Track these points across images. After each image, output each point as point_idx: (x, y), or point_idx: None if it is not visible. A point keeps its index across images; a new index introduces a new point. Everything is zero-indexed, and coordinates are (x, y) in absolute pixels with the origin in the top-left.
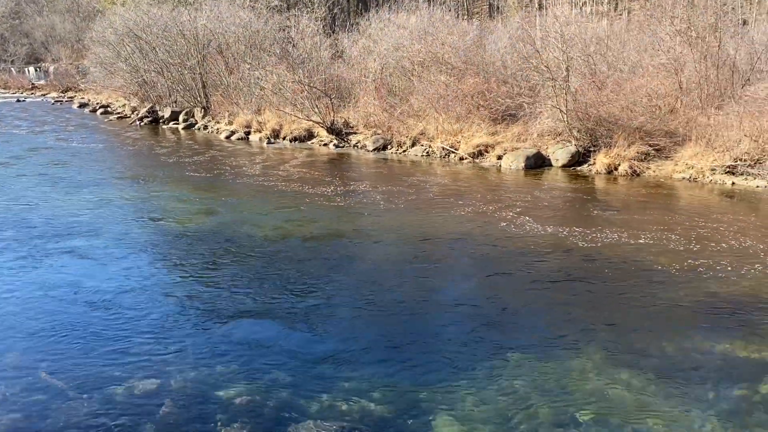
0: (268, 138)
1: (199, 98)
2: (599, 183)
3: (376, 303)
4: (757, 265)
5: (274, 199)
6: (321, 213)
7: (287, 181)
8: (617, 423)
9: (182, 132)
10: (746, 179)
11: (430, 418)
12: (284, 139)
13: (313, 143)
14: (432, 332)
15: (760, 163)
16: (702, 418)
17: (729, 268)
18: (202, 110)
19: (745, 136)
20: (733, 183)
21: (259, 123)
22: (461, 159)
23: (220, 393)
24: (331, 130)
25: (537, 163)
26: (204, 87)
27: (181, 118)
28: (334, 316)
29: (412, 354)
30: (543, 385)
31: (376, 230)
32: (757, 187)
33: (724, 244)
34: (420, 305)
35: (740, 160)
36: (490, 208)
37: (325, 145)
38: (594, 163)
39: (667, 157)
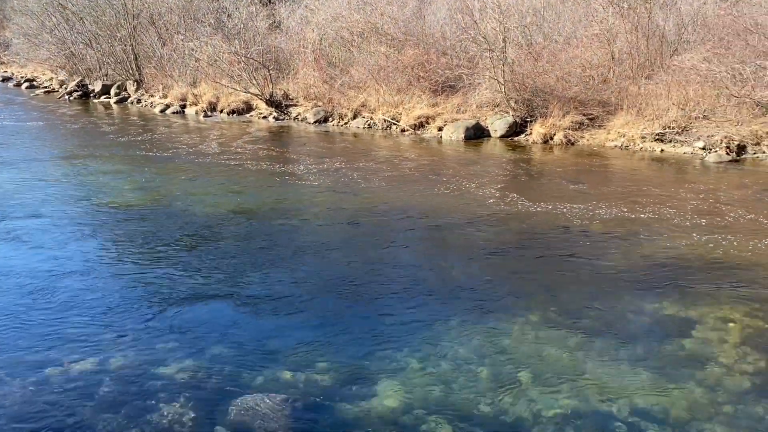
0: (204, 111)
1: (131, 71)
2: (536, 153)
3: (318, 277)
4: (685, 228)
5: (213, 174)
6: (262, 188)
7: (226, 155)
8: (554, 381)
9: (115, 106)
10: (674, 146)
11: (375, 385)
12: (222, 112)
13: (251, 116)
14: (375, 303)
15: (687, 130)
16: (632, 373)
17: (659, 232)
18: (135, 83)
19: (673, 104)
20: (662, 150)
21: (195, 96)
22: (403, 131)
23: (161, 371)
24: (271, 102)
25: (476, 134)
26: (136, 59)
27: (112, 92)
28: (277, 291)
29: (356, 325)
30: (483, 348)
31: (318, 204)
32: (684, 153)
33: (654, 210)
34: (363, 277)
35: (669, 127)
36: (431, 179)
37: (264, 118)
38: (531, 133)
39: (600, 126)
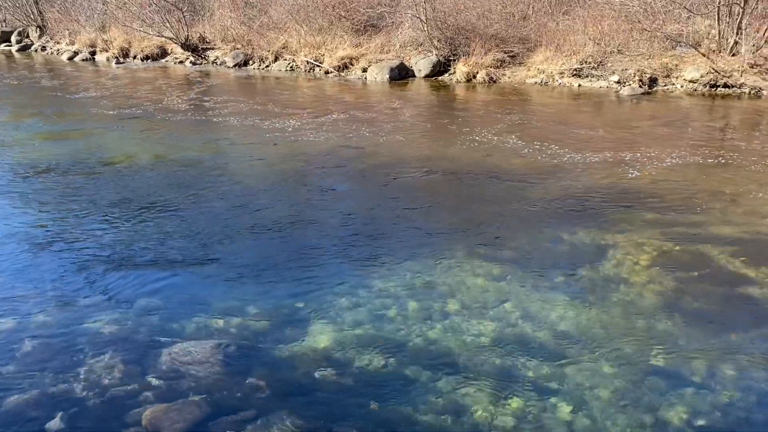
0: (116, 58)
1: (32, 16)
2: (460, 91)
3: (245, 223)
4: (601, 160)
5: (128, 124)
6: (181, 137)
7: (141, 103)
8: (480, 309)
9: (17, 54)
10: (591, 81)
11: (307, 326)
12: (135, 58)
13: (167, 61)
14: (305, 246)
15: (602, 65)
16: (553, 298)
17: (577, 165)
18: (38, 29)
19: (589, 39)
20: (579, 85)
21: (105, 41)
22: (326, 73)
23: (87, 325)
24: (186, 46)
25: (401, 75)
26: (37, 3)
27: (13, 39)
28: (204, 240)
29: (287, 269)
30: (412, 284)
31: (242, 151)
32: (600, 87)
33: (572, 144)
34: (290, 221)
35: (585, 63)
36: (357, 121)
37: (180, 63)
38: (454, 73)
39: (520, 64)
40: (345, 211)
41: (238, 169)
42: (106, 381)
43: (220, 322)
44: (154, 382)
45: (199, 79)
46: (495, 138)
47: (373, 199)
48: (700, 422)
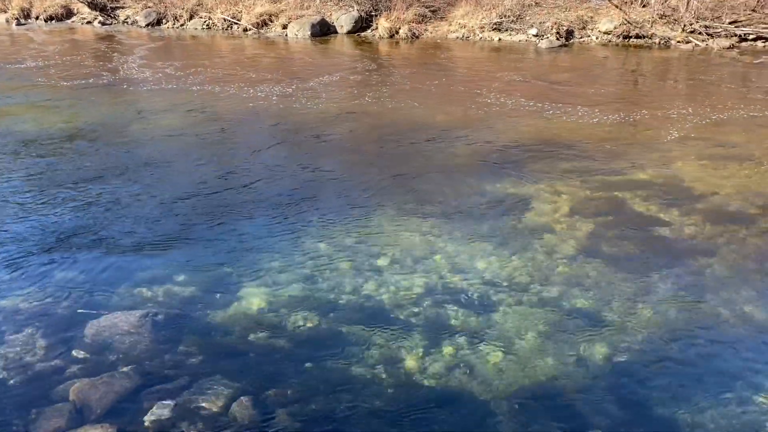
0: (17, 19)
1: None
2: (383, 48)
3: (168, 190)
4: (522, 112)
5: (34, 90)
6: (91, 103)
7: (47, 68)
8: (410, 264)
9: None
10: (510, 34)
11: (238, 290)
12: (38, 18)
13: (73, 22)
14: (232, 210)
15: (521, 18)
16: (479, 248)
17: (500, 118)
18: None
19: None
20: (499, 39)
21: (4, 2)
22: (245, 30)
23: (2, 303)
24: (94, 5)
25: (323, 31)
26: None
27: None
28: (124, 209)
29: (213, 234)
30: (343, 242)
31: (160, 116)
32: (520, 41)
33: (494, 97)
34: (215, 186)
35: (504, 16)
36: (279, 80)
37: (88, 23)
38: (377, 28)
39: (442, 18)
40: (270, 173)
41: (157, 136)
42: (28, 358)
43: (146, 292)
44: (80, 356)
45: (110, 40)
46: (419, 94)
47: (300, 160)
48: (620, 359)
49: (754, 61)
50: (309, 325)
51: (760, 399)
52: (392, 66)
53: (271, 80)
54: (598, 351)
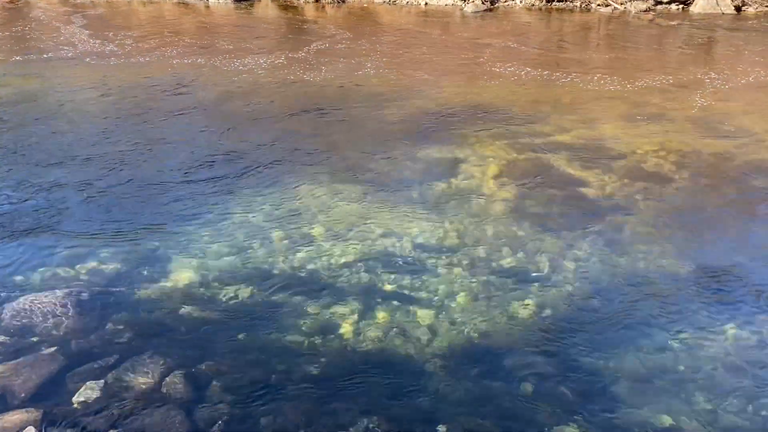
0: None
1: None
2: (309, 12)
3: (88, 163)
4: (451, 78)
5: None
6: (4, 71)
7: None
8: (343, 231)
9: None
10: None
11: (167, 264)
12: None
13: None
14: (160, 181)
15: None
16: (411, 213)
17: (428, 84)
18: None
19: None
20: (426, 3)
21: None
22: None
23: None
24: None
25: None
26: None
27: None
28: (41, 185)
29: (139, 207)
30: (274, 213)
31: (75, 88)
32: (446, 5)
33: (423, 63)
34: (141, 157)
35: None
36: (204, 49)
37: None
38: None
39: None
40: (196, 144)
41: (72, 111)
42: None
43: (69, 271)
44: None
45: (17, 11)
46: (349, 60)
47: (228, 130)
48: (546, 313)
49: (651, 20)
50: (242, 296)
51: (676, 344)
52: (320, 32)
53: (195, 49)
54: (526, 307)
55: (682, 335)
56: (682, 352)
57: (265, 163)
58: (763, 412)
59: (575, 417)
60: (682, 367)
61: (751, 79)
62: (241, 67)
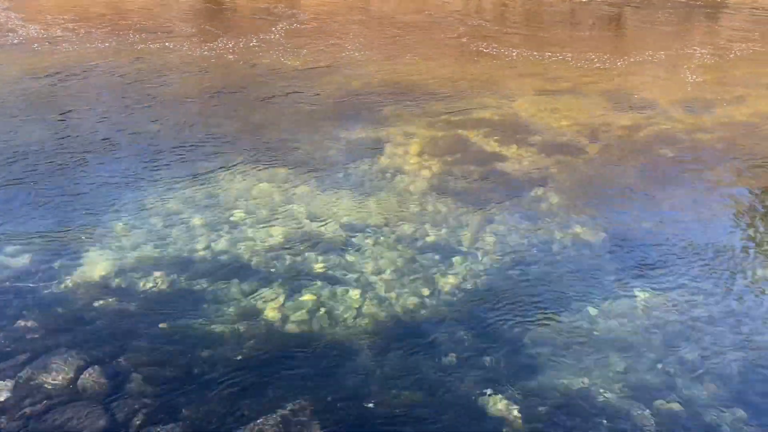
0: None
1: None
2: None
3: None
4: (369, 58)
5: None
6: None
7: None
8: (266, 215)
9: None
10: None
11: (80, 256)
12: None
13: None
14: (68, 169)
15: None
16: (335, 194)
17: (349, 63)
18: None
19: None
20: None
21: None
22: None
23: None
24: None
25: None
26: None
27: None
28: None
29: (47, 197)
30: (194, 198)
31: None
32: None
33: (343, 43)
34: (49, 144)
35: None
36: (111, 28)
37: None
38: None
39: None
40: (110, 128)
41: None
42: None
43: None
44: None
45: None
46: (266, 40)
47: (144, 113)
48: (468, 286)
49: None
50: (161, 285)
51: (591, 310)
52: (235, 10)
53: (102, 27)
54: (450, 281)
55: (597, 301)
56: (596, 317)
57: (182, 146)
58: (671, 369)
59: (498, 384)
60: (596, 332)
61: (658, 54)
62: (156, 49)
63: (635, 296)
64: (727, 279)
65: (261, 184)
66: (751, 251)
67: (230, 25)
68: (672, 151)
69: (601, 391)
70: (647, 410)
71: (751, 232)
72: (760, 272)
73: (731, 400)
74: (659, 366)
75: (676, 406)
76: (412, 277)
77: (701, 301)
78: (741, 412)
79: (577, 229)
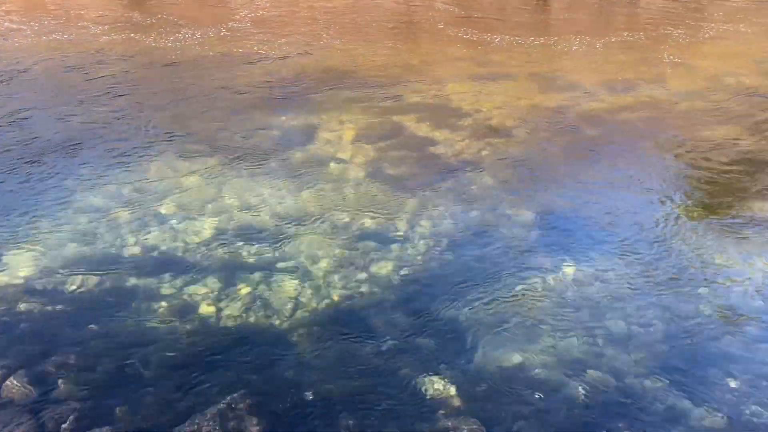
0: None
1: None
2: None
3: None
4: (297, 44)
5: None
6: None
7: None
8: (197, 207)
9: None
10: None
11: (1, 257)
12: None
13: None
14: None
15: None
16: (269, 184)
17: (278, 50)
18: None
19: None
20: None
21: None
22: None
23: None
24: None
25: None
26: None
27: None
28: None
29: None
30: (120, 192)
31: None
32: None
33: (270, 30)
34: None
35: None
36: (30, 14)
37: None
38: None
39: None
40: (31, 121)
41: None
42: None
43: None
44: None
45: None
46: (191, 28)
47: (67, 105)
48: (405, 271)
49: None
50: (89, 285)
51: (523, 288)
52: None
53: (18, 12)
54: (387, 266)
55: (529, 279)
56: (528, 295)
57: (108, 139)
58: (599, 341)
59: (436, 366)
60: (528, 308)
61: (583, 37)
62: (77, 37)
63: (564, 272)
64: (649, 252)
65: (191, 176)
66: (672, 224)
67: (153, 8)
68: (596, 130)
69: (535, 365)
70: (578, 381)
71: (671, 205)
72: (679, 244)
73: (656, 367)
74: (588, 338)
75: (605, 376)
76: (348, 265)
77: (626, 273)
78: (665, 378)
79: (509, 209)
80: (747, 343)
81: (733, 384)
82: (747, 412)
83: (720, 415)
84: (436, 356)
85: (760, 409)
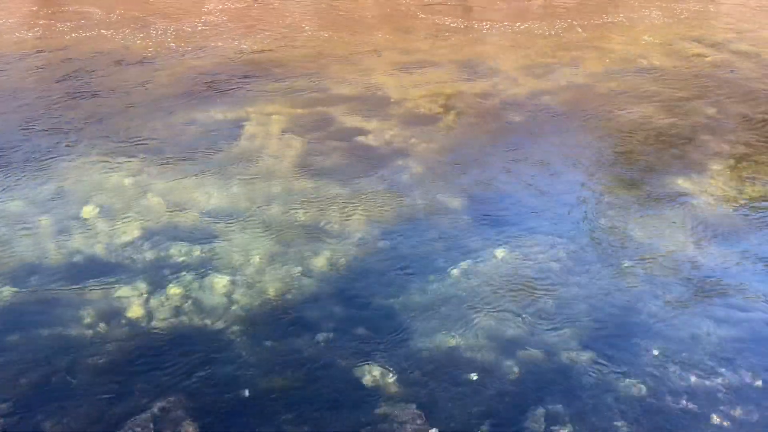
0: None
1: None
2: None
3: None
4: (223, 35)
5: None
6: None
7: None
8: (121, 209)
9: None
10: None
11: None
12: None
13: None
14: None
15: None
16: (196, 180)
17: (200, 43)
18: None
19: None
20: None
21: None
22: None
23: None
24: None
25: None
26: None
27: None
28: None
29: None
30: (39, 196)
31: None
32: None
33: (190, 20)
34: None
35: None
36: None
37: None
38: None
39: None
40: None
41: None
42: None
43: None
44: None
45: None
46: (105, 21)
47: None
48: (340, 262)
49: None
50: (5, 295)
51: (456, 272)
52: None
53: None
54: (321, 259)
55: (460, 263)
56: (461, 279)
57: (20, 142)
58: (531, 320)
59: (374, 353)
60: (461, 292)
61: (502, 24)
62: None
63: (495, 255)
64: (578, 232)
65: (114, 177)
66: (598, 204)
67: (67, 5)
68: (519, 115)
69: (470, 347)
70: (512, 360)
71: (596, 184)
72: (606, 223)
73: (585, 342)
74: (520, 318)
75: (537, 353)
76: (282, 259)
77: (555, 254)
78: (593, 352)
79: (439, 195)
80: (668, 313)
81: (656, 352)
82: (669, 377)
83: (645, 382)
84: (372, 344)
85: (682, 372)
